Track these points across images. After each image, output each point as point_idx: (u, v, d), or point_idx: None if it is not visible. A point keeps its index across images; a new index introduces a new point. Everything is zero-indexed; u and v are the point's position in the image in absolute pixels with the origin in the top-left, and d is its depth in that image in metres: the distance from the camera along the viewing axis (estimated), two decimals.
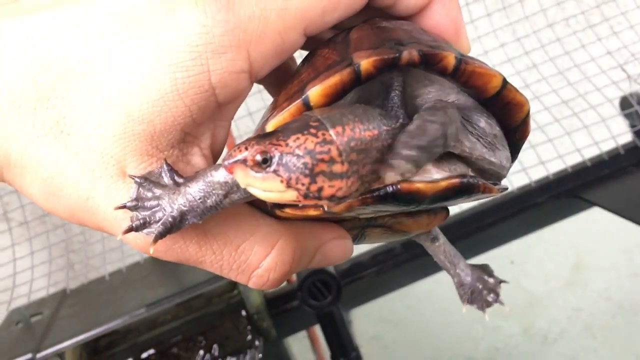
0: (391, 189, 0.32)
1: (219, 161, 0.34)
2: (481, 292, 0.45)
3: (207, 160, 0.35)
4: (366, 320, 1.29)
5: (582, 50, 1.09)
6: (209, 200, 0.33)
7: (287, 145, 0.29)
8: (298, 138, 0.29)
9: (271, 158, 0.29)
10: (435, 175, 0.33)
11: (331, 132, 0.30)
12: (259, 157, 0.29)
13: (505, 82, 0.34)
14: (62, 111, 0.32)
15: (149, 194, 0.33)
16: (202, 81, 0.32)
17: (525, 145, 0.39)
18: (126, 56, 0.32)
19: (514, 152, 0.38)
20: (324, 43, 0.38)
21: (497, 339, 1.32)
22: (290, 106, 0.33)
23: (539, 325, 1.34)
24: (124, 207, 0.32)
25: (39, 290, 0.99)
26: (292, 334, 1.01)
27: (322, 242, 0.39)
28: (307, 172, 0.29)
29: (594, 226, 1.11)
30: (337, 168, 0.30)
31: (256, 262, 0.36)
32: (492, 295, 0.45)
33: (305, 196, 0.29)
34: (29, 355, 0.80)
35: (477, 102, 0.36)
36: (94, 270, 1.03)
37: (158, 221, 0.32)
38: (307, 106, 0.33)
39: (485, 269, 0.46)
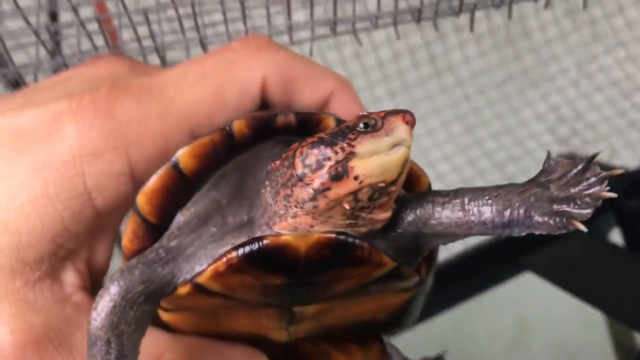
0: (257, 244, 0.28)
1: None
2: None
3: (82, 277, 0.31)
4: None
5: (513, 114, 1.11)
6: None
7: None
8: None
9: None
10: (315, 229, 0.28)
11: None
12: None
13: None
14: None
15: None
16: (76, 184, 0.29)
17: None
18: (2, 166, 0.29)
19: None
20: None
21: None
22: (160, 169, 0.30)
23: None
24: None
25: None
26: None
27: None
28: None
29: (535, 287, 1.11)
30: None
31: None
32: None
33: None
34: None
35: None
36: None
37: None
38: (177, 169, 0.30)
39: None
